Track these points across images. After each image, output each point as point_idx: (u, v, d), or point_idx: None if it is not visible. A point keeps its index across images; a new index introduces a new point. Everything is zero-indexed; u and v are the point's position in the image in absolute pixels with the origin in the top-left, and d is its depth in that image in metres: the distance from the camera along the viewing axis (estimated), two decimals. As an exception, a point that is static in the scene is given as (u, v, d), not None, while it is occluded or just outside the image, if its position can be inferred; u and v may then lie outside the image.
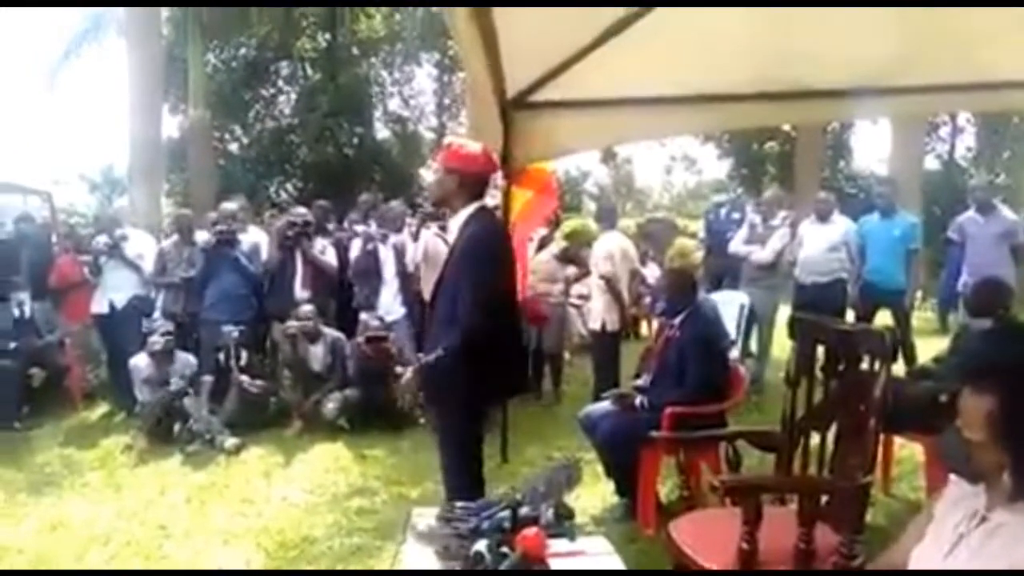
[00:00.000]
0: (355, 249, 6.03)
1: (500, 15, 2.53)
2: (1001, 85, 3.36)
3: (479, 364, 2.69)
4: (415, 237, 5.74)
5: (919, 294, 7.11)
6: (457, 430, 2.87)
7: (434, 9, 13.82)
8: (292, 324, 5.52)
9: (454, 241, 2.79)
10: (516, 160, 4.10)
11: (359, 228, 6.40)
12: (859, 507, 2.22)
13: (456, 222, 2.81)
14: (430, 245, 5.52)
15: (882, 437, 2.93)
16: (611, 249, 5.50)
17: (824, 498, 2.35)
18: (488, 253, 2.71)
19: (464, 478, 2.79)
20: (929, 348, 4.43)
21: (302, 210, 6.26)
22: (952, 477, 1.57)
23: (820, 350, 2.61)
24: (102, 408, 6.13)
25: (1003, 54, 2.97)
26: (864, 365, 2.32)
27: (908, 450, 4.11)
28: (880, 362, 2.23)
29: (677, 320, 3.70)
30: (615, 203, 7.97)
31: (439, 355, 2.70)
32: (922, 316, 8.85)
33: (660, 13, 2.68)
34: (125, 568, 3.32)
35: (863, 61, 3.16)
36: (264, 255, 6.08)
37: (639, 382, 3.94)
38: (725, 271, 6.82)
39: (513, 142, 3.92)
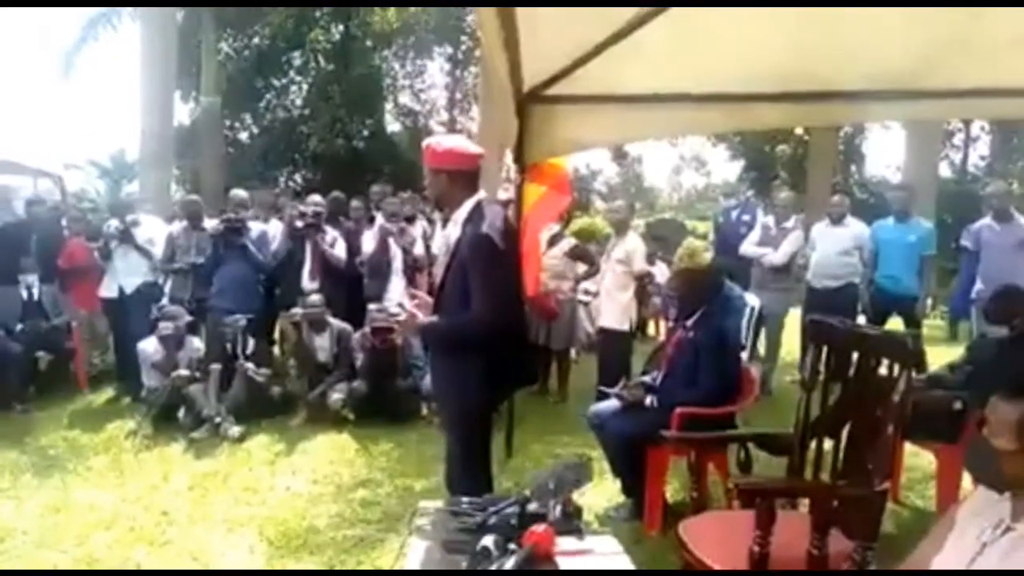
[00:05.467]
0: (367, 240, 6.00)
1: (522, 9, 2.50)
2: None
3: (488, 358, 2.67)
4: (444, 225, 5.71)
5: (929, 302, 7.03)
6: (466, 425, 2.84)
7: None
8: (297, 311, 5.50)
9: (457, 237, 2.74)
10: (531, 155, 4.06)
11: (379, 217, 6.31)
12: (875, 514, 2.18)
13: (458, 218, 2.77)
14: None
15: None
16: (640, 247, 5.54)
17: (835, 503, 2.31)
18: (493, 249, 2.67)
19: (471, 475, 2.76)
20: (939, 357, 4.38)
21: (317, 198, 6.22)
22: (972, 486, 1.54)
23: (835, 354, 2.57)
24: (108, 392, 6.14)
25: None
26: (883, 370, 2.28)
27: (918, 458, 4.07)
28: (901, 367, 2.19)
29: (690, 321, 3.66)
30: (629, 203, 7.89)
31: (451, 323, 2.71)
32: (931, 324, 8.76)
33: (677, 11, 2.65)
34: (128, 553, 3.31)
35: (883, 63, 3.11)
36: (274, 245, 6.05)
37: (646, 379, 3.90)
38: (734, 273, 6.77)
39: (528, 137, 3.88)
